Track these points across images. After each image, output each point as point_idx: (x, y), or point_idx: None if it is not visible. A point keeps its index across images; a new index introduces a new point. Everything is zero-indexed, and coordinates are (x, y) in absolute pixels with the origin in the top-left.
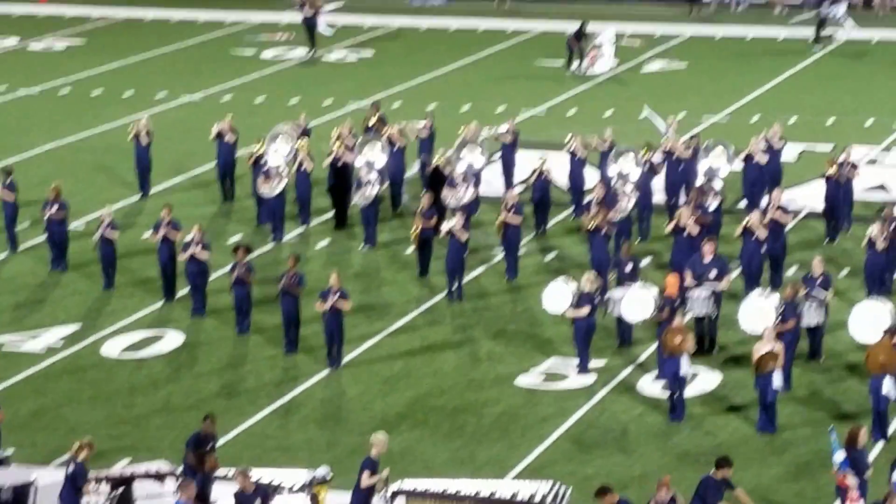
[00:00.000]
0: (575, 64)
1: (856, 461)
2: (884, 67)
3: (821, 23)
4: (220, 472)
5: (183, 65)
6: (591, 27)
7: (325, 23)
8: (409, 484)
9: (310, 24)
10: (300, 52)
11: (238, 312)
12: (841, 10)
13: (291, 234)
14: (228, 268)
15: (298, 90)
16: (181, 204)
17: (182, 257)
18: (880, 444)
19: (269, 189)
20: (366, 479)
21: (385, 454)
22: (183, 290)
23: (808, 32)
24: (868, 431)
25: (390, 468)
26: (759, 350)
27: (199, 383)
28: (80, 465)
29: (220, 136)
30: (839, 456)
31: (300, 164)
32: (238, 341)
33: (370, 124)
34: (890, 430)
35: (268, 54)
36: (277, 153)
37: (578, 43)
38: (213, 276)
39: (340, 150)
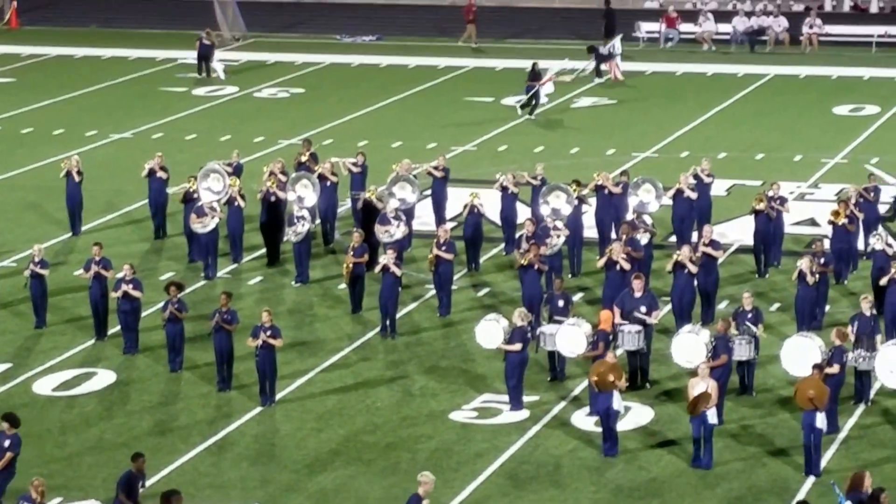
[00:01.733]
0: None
1: None
2: (811, 103)
3: (600, 59)
4: None
5: (114, 102)
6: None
7: (221, 67)
8: None
9: (203, 54)
10: (231, 89)
11: (170, 350)
12: (610, 46)
13: (223, 270)
14: (160, 305)
15: (230, 127)
16: (112, 241)
17: (114, 295)
18: (811, 480)
19: (202, 226)
20: None
21: (327, 492)
22: (115, 328)
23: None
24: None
25: None
26: (694, 386)
27: (131, 421)
28: None
29: (151, 173)
30: None
31: (232, 201)
32: (170, 379)
33: (302, 161)
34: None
35: (199, 91)
36: (209, 190)
37: (536, 82)
38: (145, 314)
39: (272, 186)
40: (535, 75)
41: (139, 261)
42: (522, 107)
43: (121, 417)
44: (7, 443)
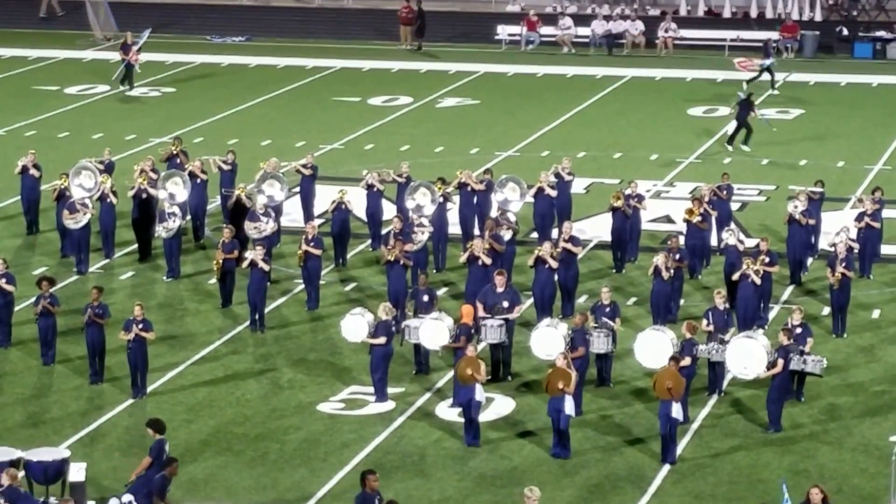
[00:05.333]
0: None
1: None
2: (667, 104)
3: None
4: None
5: None
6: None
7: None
8: None
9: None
10: (103, 88)
11: (43, 343)
12: None
13: (96, 265)
14: (33, 300)
15: (101, 125)
16: None
17: None
18: (667, 467)
19: (74, 222)
20: None
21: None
22: None
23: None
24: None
25: (194, 496)
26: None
27: (4, 413)
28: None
29: (24, 170)
30: None
31: (104, 198)
32: (43, 372)
33: (172, 158)
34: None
35: (71, 90)
36: (81, 187)
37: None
38: (17, 308)
39: (143, 183)
40: (748, 105)
41: (12, 256)
42: (732, 141)
43: None
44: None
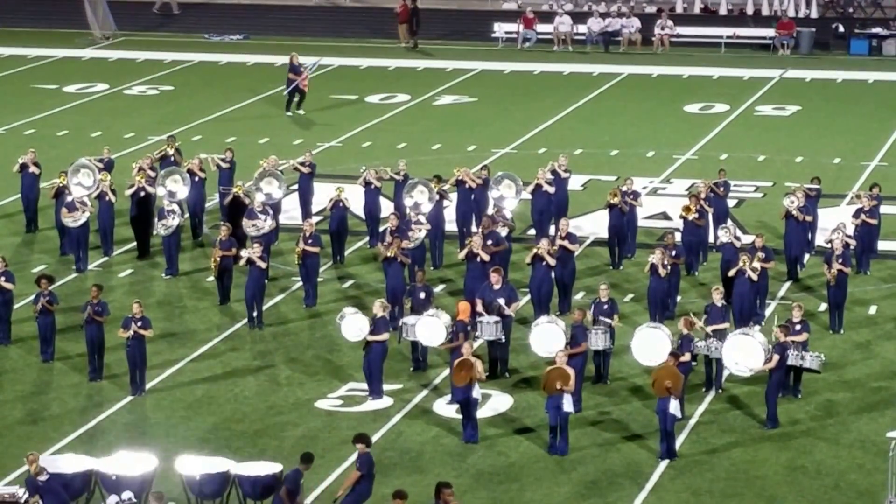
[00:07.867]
0: None
1: None
2: (663, 101)
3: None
4: None
5: None
6: None
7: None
8: None
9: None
10: (102, 86)
11: (42, 341)
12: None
13: (95, 263)
14: (32, 297)
15: (100, 123)
16: None
17: None
18: (665, 463)
19: (73, 220)
20: None
21: None
22: None
23: None
24: None
25: None
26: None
27: (3, 410)
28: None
29: (23, 168)
30: None
31: (103, 196)
32: (42, 369)
33: (169, 157)
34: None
35: (70, 88)
36: (80, 185)
37: None
38: (17, 306)
39: (141, 181)
40: None
41: (11, 254)
42: None
43: None
44: (358, 463)
